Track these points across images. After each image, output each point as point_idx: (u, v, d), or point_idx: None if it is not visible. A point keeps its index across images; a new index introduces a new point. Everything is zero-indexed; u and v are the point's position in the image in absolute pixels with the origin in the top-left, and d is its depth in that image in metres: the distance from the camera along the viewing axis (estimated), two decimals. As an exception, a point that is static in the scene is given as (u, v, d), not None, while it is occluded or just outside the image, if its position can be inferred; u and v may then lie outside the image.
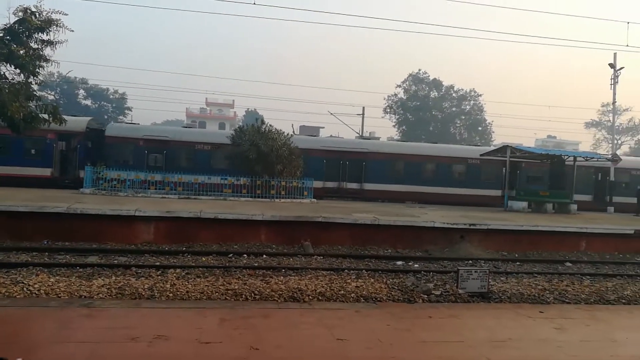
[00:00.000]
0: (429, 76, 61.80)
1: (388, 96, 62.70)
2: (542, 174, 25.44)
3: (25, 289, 6.97)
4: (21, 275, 7.85)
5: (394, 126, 62.37)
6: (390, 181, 24.43)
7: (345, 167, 24.39)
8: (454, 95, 62.01)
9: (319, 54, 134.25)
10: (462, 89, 61.96)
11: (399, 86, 61.84)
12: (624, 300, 8.35)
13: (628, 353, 5.13)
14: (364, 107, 44.06)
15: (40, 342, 4.67)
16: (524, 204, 21.24)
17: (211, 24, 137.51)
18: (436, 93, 61.80)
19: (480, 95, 61.88)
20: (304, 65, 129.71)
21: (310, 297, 7.25)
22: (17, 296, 6.65)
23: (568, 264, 12.28)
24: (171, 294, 7.11)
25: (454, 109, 61.61)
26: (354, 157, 24.48)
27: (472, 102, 62.12)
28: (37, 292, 6.87)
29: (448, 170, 25.36)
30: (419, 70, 61.97)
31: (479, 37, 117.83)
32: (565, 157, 23.25)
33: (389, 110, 61.99)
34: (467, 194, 24.55)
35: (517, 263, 12.06)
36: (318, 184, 22.24)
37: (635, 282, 10.08)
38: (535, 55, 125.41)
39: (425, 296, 7.71)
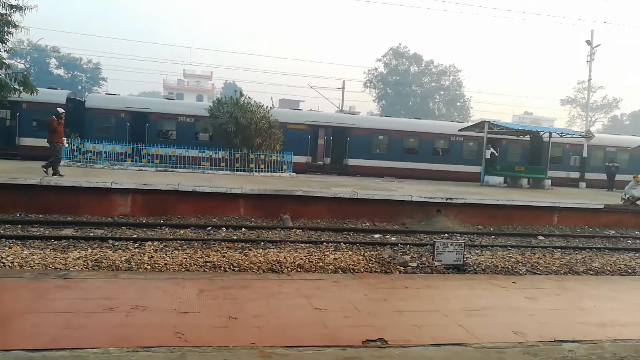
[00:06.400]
0: (409, 50, 61.58)
1: (368, 70, 62.21)
2: (520, 150, 25.98)
3: (-3, 261, 6.84)
4: (-7, 247, 7.70)
5: (373, 100, 62.29)
6: (368, 157, 24.60)
7: (330, 142, 24.56)
8: (433, 70, 62.02)
9: (301, 25, 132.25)
10: (442, 64, 62.04)
11: (379, 60, 61.54)
12: (592, 272, 8.66)
13: (595, 320, 5.33)
14: (344, 81, 43.80)
15: (14, 312, 4.61)
16: (500, 179, 21.64)
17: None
18: (416, 68, 61.70)
19: (460, 70, 62.12)
20: (284, 37, 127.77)
21: (289, 269, 7.30)
22: (-10, 268, 6.53)
23: (540, 237, 12.62)
24: (149, 266, 7.07)
25: (433, 84, 61.73)
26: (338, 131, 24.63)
27: (451, 77, 62.28)
28: (10, 265, 6.75)
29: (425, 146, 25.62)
30: (400, 44, 61.72)
31: (457, 11, 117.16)
32: (542, 133, 23.64)
33: (369, 84, 61.76)
34: (446, 170, 25.02)
35: (492, 236, 12.33)
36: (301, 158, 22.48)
37: (603, 255, 10.45)
38: (514, 29, 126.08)
39: (402, 268, 7.85)
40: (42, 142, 20.66)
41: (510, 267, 8.49)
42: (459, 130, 24.87)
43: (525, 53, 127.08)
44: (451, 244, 8.28)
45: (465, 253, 8.39)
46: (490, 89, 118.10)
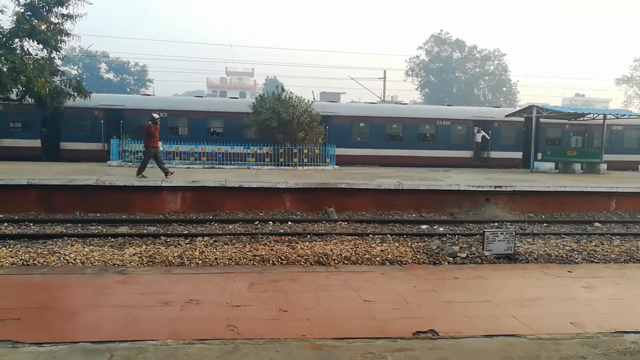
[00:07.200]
0: (451, 37, 60.19)
1: (410, 58, 61.35)
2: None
3: (61, 258, 7.25)
4: (57, 246, 8.15)
5: (416, 89, 61.33)
6: (349, 145, 23.54)
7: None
8: (477, 55, 60.38)
9: (341, 16, 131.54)
10: (486, 49, 60.26)
11: (421, 48, 60.48)
12: (655, 259, 8.21)
13: (659, 310, 5.07)
14: (385, 71, 43.30)
15: (78, 306, 4.88)
16: (551, 165, 20.85)
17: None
18: (459, 54, 60.24)
19: (505, 55, 60.16)
20: (323, 29, 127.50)
21: (335, 261, 7.35)
22: (55, 265, 6.92)
23: (597, 224, 12.08)
24: (200, 261, 7.29)
25: (477, 69, 60.10)
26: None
27: (496, 62, 60.43)
28: (73, 261, 7.14)
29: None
30: (441, 30, 60.51)
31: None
32: (595, 115, 22.61)
33: (410, 72, 60.82)
34: (433, 156, 24.21)
35: (544, 224, 11.92)
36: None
37: (667, 241, 9.88)
38: (561, 7, 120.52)
39: (451, 259, 7.73)
40: (20, 143, 21.28)
41: (564, 255, 8.19)
42: (506, 116, 24.08)
43: (574, 32, 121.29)
44: (501, 233, 8.07)
45: (516, 242, 8.17)
46: (538, 72, 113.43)
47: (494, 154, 24.94)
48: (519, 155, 24.93)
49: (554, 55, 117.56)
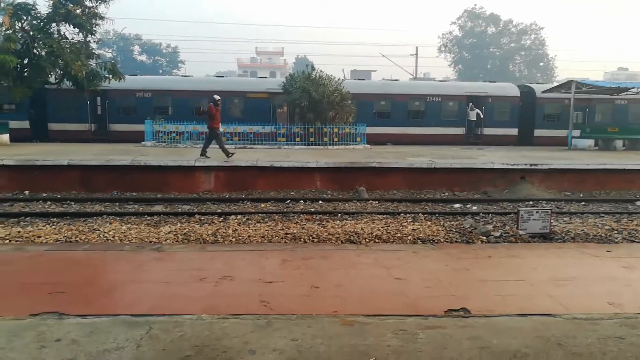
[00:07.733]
0: (485, 11, 58.31)
1: (442, 34, 59.93)
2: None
3: (101, 235, 7.52)
4: (97, 224, 8.45)
5: (449, 65, 59.93)
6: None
7: None
8: (512, 30, 58.36)
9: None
10: (522, 23, 58.16)
11: (454, 23, 58.90)
12: (700, 239, 7.88)
13: None
14: (417, 47, 42.41)
15: (118, 281, 5.07)
16: (590, 142, 20.17)
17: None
18: (493, 29, 58.36)
19: (542, 28, 57.83)
20: (354, 6, 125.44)
21: (366, 240, 7.36)
22: (95, 242, 7.19)
23: (639, 203, 11.66)
24: (234, 239, 7.44)
25: (512, 44, 58.15)
26: None
27: (532, 36, 58.29)
28: (112, 239, 7.40)
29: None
30: (475, 5, 58.58)
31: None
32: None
33: (443, 49, 59.40)
34: (423, 134, 23.57)
35: (582, 203, 11.59)
36: None
37: None
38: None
39: (484, 237, 7.63)
40: (10, 124, 20.48)
41: (603, 234, 7.96)
42: (543, 92, 23.27)
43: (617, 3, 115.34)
44: (537, 212, 7.88)
45: (552, 221, 7.97)
46: (577, 45, 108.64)
47: (488, 131, 24.20)
48: (514, 131, 24.22)
49: (595, 27, 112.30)
